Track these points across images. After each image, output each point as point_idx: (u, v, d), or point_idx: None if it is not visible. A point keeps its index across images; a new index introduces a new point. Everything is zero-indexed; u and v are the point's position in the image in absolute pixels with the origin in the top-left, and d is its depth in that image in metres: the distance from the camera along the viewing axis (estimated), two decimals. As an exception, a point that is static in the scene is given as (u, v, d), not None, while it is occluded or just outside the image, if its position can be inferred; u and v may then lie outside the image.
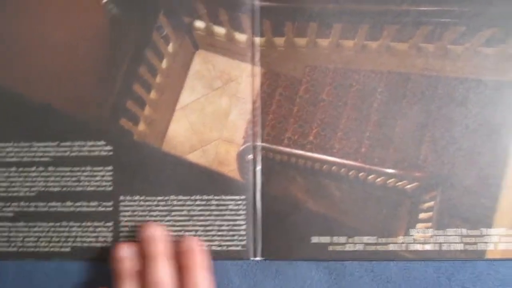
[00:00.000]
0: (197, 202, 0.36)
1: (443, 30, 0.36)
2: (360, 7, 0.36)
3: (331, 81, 0.36)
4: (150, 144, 0.36)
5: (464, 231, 0.36)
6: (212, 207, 0.36)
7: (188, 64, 0.37)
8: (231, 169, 0.36)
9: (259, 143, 0.36)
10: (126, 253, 0.34)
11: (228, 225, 0.36)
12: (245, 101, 0.36)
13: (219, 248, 0.36)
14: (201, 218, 0.36)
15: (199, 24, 0.37)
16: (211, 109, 0.37)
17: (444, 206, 0.36)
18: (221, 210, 0.36)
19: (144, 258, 0.34)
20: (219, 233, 0.36)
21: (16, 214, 0.36)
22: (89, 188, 0.36)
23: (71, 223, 0.36)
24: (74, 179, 0.36)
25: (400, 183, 0.36)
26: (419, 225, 0.36)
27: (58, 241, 0.36)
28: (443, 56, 0.36)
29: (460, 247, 0.35)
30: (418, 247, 0.35)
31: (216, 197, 0.36)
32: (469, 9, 0.36)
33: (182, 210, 0.36)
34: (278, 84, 0.36)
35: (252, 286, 0.36)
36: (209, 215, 0.36)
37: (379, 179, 0.36)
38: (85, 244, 0.36)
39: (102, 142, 0.36)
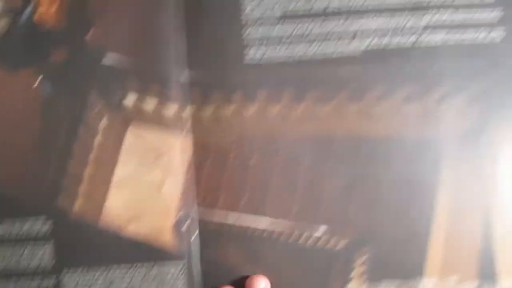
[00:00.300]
0: (138, 271, 0.37)
1: (363, 92, 0.38)
2: (283, 73, 0.38)
3: (258, 147, 0.38)
4: (89, 219, 0.37)
5: (398, 282, 0.37)
6: (152, 276, 0.37)
7: (121, 139, 0.38)
8: (168, 239, 0.37)
9: (193, 213, 0.37)
10: None
11: (167, 294, 0.37)
12: (177, 172, 0.38)
13: (160, 318, 0.37)
14: (143, 287, 0.37)
15: (130, 98, 0.38)
16: (145, 182, 0.38)
17: (376, 261, 0.37)
18: (161, 278, 0.37)
19: None
20: (159, 302, 0.37)
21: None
22: (31, 265, 0.37)
23: (15, 303, 0.37)
24: (15, 258, 0.37)
25: (331, 242, 0.37)
26: (353, 282, 0.37)
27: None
28: (364, 117, 0.38)
29: (393, 300, 0.37)
30: (352, 304, 0.37)
31: (155, 267, 0.37)
32: (385, 70, 0.38)
33: (123, 282, 0.37)
34: (209, 154, 0.38)
35: None
36: (149, 285, 0.37)
37: (310, 240, 0.37)
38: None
39: (42, 219, 0.37)
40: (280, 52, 0.38)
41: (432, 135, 0.38)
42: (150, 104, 0.38)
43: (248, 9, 0.38)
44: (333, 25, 0.38)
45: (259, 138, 0.38)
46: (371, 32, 0.38)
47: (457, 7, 0.39)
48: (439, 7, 0.39)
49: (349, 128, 0.38)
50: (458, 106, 0.38)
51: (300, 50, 0.38)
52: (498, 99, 0.38)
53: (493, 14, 0.39)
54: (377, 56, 0.38)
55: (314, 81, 0.38)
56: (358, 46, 0.38)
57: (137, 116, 0.38)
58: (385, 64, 0.38)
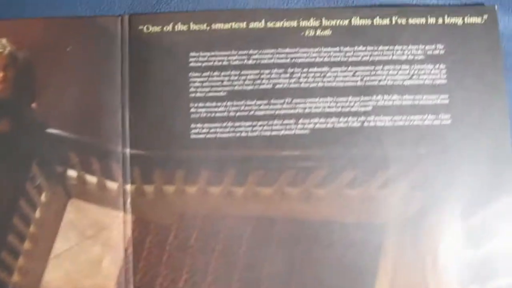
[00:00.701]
0: None
1: (306, 174, 0.37)
2: (225, 154, 0.38)
3: (199, 227, 0.37)
4: (26, 293, 0.37)
5: None
6: None
7: (61, 213, 0.38)
8: (104, 316, 0.37)
9: (130, 291, 0.37)
10: None
11: None
12: (117, 249, 0.37)
13: None
14: None
15: (72, 173, 0.38)
16: (84, 257, 0.37)
17: None
18: None
19: None
20: None
21: None
22: None
23: None
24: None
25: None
26: None
27: None
28: (307, 199, 0.37)
29: None
30: None
31: None
32: (330, 153, 0.38)
33: None
34: (149, 231, 0.37)
35: None
36: None
37: (247, 324, 0.37)
38: None
39: (-21, 292, 0.37)
40: (225, 130, 0.38)
41: (374, 219, 0.37)
42: (91, 179, 0.38)
43: (195, 85, 0.38)
44: (279, 105, 0.38)
45: (200, 217, 0.37)
46: (317, 113, 0.38)
47: (405, 90, 0.39)
48: (387, 89, 0.38)
49: (290, 211, 0.37)
50: (402, 191, 0.38)
51: (245, 129, 0.38)
52: (441, 185, 0.38)
53: (441, 99, 0.39)
54: (324, 137, 0.38)
55: (257, 162, 0.38)
56: (304, 126, 0.38)
57: (78, 191, 0.38)
58: (331, 146, 0.38)
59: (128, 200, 0.37)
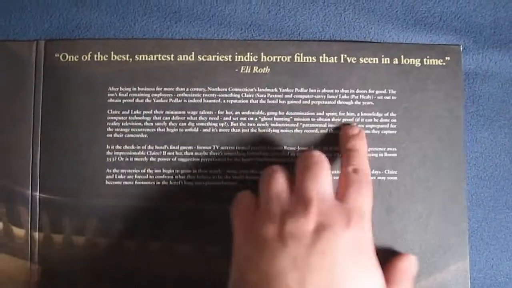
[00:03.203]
0: None
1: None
2: (142, 204, 0.34)
3: (110, 284, 0.34)
4: None
5: None
6: None
7: (-36, 259, 0.35)
8: None
9: None
10: None
11: None
12: (22, 302, 0.34)
13: None
14: None
15: (-25, 216, 0.34)
16: (-13, 308, 0.34)
17: None
18: None
19: None
20: None
21: None
22: None
23: None
24: None
25: None
26: None
27: None
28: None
29: None
30: None
31: None
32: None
33: None
34: (57, 285, 0.34)
35: None
36: None
37: None
38: None
39: None
40: (144, 177, 0.34)
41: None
42: (-5, 225, 0.34)
43: (112, 125, 0.34)
44: (206, 152, 0.34)
45: (112, 272, 0.34)
46: (248, 162, 0.34)
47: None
48: (327, 138, 0.34)
49: (211, 270, 0.34)
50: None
51: (167, 177, 0.34)
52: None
53: (388, 152, 0.34)
54: (253, 190, 0.34)
55: (177, 214, 0.34)
56: (232, 176, 0.34)
57: (-19, 237, 0.34)
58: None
59: (36, 249, 0.34)
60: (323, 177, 0.29)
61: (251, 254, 0.28)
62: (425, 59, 0.35)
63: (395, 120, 0.34)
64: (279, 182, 0.29)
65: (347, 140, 0.33)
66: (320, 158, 0.30)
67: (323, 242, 0.27)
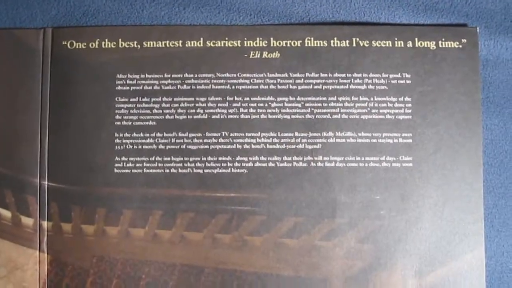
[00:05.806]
0: None
1: (241, 220, 0.33)
2: (151, 192, 0.33)
3: (119, 272, 0.34)
4: None
5: None
6: None
7: (-27, 249, 0.34)
8: None
9: (44, 337, 0.34)
10: None
11: None
12: (31, 290, 0.34)
13: None
14: None
15: (-16, 205, 0.34)
16: (-3, 297, 0.34)
17: None
18: None
19: None
20: None
21: None
22: None
23: None
24: None
25: None
26: None
27: None
28: (240, 248, 0.33)
29: None
30: None
31: None
32: (270, 196, 0.33)
33: None
34: (65, 274, 0.34)
35: None
36: None
37: None
38: None
39: None
40: (152, 165, 0.34)
41: (315, 274, 0.33)
42: (4, 213, 0.34)
43: (121, 113, 0.34)
44: (215, 139, 0.34)
45: (120, 262, 0.34)
46: (258, 149, 0.33)
47: (362, 126, 0.33)
48: (340, 124, 0.33)
49: (221, 260, 0.33)
50: (349, 243, 0.33)
51: (175, 165, 0.34)
52: (396, 238, 0.33)
53: (403, 137, 0.33)
54: (263, 178, 0.33)
55: (187, 203, 0.33)
56: (242, 164, 0.33)
57: (-10, 226, 0.34)
58: (270, 188, 0.33)
59: (45, 239, 0.34)
60: None
61: None
62: (440, 42, 0.34)
63: (410, 105, 0.33)
64: None
65: None
66: None
67: None
